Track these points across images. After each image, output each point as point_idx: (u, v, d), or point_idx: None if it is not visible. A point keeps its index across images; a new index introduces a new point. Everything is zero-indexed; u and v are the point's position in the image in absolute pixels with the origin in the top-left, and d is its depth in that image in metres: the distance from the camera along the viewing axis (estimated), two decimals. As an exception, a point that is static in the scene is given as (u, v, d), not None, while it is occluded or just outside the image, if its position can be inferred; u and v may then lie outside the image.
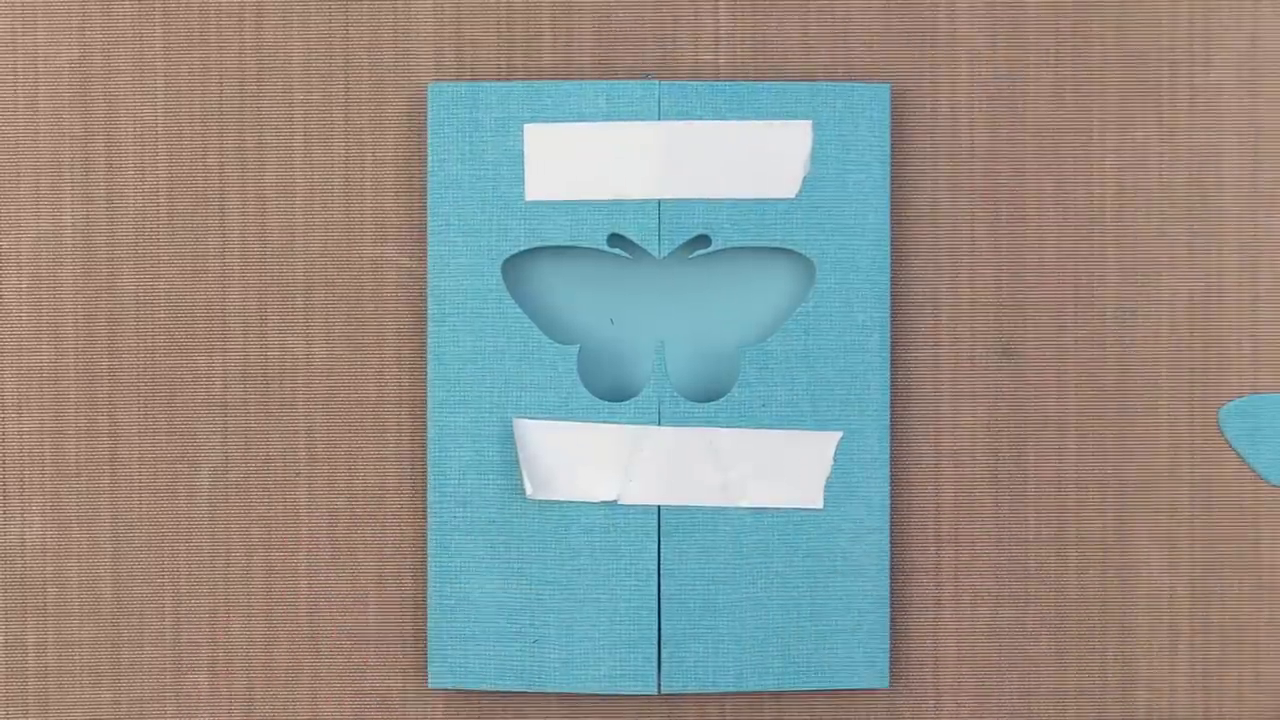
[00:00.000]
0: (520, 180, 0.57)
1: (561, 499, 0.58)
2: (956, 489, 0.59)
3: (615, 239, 0.58)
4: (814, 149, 0.58)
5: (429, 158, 0.57)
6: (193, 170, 0.59)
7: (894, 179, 0.59)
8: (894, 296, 0.59)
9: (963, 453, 0.59)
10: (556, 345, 0.58)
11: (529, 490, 0.57)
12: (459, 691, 0.59)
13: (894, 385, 0.59)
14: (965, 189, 0.59)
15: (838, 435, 0.58)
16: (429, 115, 0.57)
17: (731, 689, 0.58)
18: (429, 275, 0.57)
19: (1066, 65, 0.59)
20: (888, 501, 0.58)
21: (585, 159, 0.57)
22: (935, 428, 0.59)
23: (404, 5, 0.59)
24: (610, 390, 0.59)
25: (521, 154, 0.57)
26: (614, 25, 0.59)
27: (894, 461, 0.59)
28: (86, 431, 0.59)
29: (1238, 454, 0.60)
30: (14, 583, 0.59)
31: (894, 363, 0.59)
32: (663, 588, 0.58)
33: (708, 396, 0.58)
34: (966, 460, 0.59)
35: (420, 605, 0.59)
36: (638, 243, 0.57)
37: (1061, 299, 0.59)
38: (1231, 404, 0.59)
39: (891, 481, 0.59)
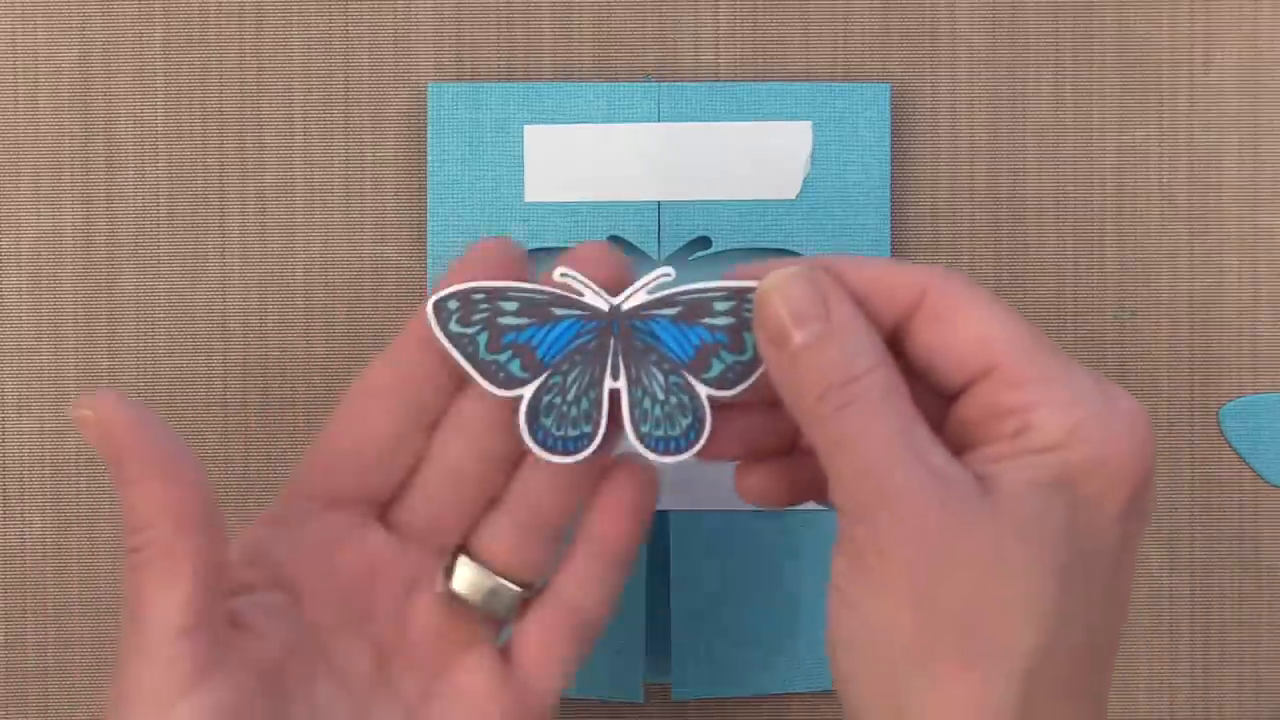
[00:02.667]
0: (520, 181, 0.57)
1: (561, 499, 0.57)
2: (956, 489, 0.59)
3: (614, 240, 0.58)
4: (814, 149, 0.58)
5: (429, 158, 0.57)
6: (193, 170, 0.59)
7: (894, 179, 0.59)
8: (894, 296, 0.59)
9: (963, 453, 0.59)
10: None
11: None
12: (459, 691, 0.59)
13: (894, 385, 0.59)
14: (965, 189, 0.59)
15: (838, 435, 0.58)
16: (429, 115, 0.57)
17: (736, 694, 0.58)
18: (429, 275, 0.57)
19: (1066, 65, 0.59)
20: (888, 502, 0.58)
21: (585, 160, 0.57)
22: (935, 428, 0.59)
23: (404, 5, 0.59)
24: (610, 390, 0.58)
25: (521, 155, 0.57)
26: (614, 26, 0.59)
27: (894, 461, 0.59)
28: (87, 431, 0.59)
29: (1238, 454, 0.60)
30: (14, 583, 0.59)
31: (894, 363, 0.59)
32: (672, 592, 0.57)
33: (708, 397, 0.58)
34: (966, 460, 0.59)
35: (420, 605, 0.59)
36: (637, 245, 0.57)
37: (1061, 299, 0.59)
38: (1231, 404, 0.59)
39: (891, 481, 0.59)
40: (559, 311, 0.46)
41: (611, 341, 0.47)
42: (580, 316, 0.47)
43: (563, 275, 0.46)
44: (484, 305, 0.46)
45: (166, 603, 0.42)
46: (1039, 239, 0.59)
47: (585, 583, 0.48)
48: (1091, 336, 0.59)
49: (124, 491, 0.42)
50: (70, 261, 0.58)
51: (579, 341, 0.47)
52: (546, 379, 0.47)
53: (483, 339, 0.46)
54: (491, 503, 0.48)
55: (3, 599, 0.59)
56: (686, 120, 0.57)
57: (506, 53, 0.59)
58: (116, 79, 0.58)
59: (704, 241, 0.58)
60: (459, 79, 0.58)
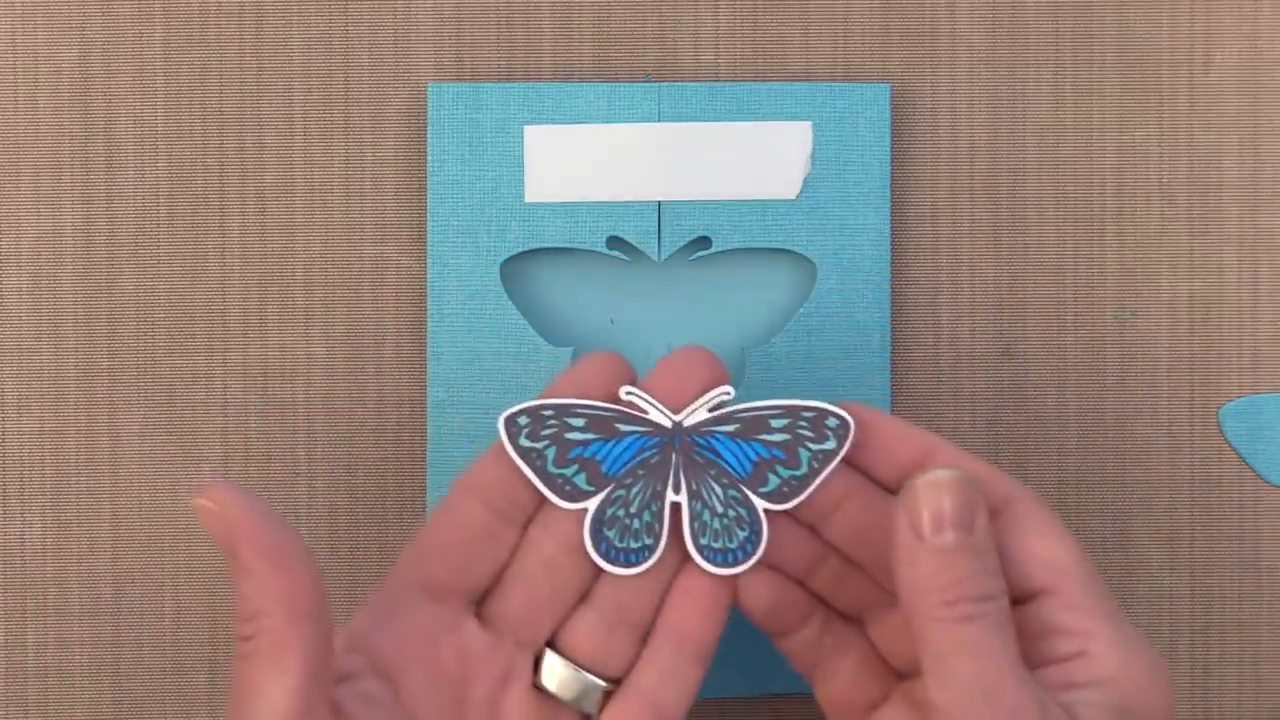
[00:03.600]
0: (520, 181, 0.57)
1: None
2: (956, 489, 0.59)
3: (614, 241, 0.58)
4: (814, 149, 0.58)
5: (429, 158, 0.57)
6: (193, 170, 0.59)
7: (894, 179, 0.59)
8: (894, 296, 0.59)
9: (963, 453, 0.59)
10: (550, 348, 0.57)
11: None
12: (459, 691, 0.59)
13: (894, 385, 0.59)
14: (965, 189, 0.59)
15: (838, 435, 0.58)
16: (429, 115, 0.57)
17: (736, 694, 0.58)
18: (429, 275, 0.57)
19: (1066, 65, 0.59)
20: (888, 502, 0.58)
21: (585, 161, 0.57)
22: (935, 428, 0.59)
23: (404, 5, 0.59)
24: (610, 390, 0.58)
25: (521, 155, 0.57)
26: (614, 26, 0.59)
27: (894, 462, 0.59)
28: (86, 431, 0.59)
29: (1238, 454, 0.60)
30: (14, 583, 0.59)
31: (894, 363, 0.59)
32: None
33: (708, 397, 0.58)
34: (966, 460, 0.59)
35: (420, 605, 0.59)
36: (637, 245, 0.57)
37: (1061, 299, 0.59)
38: (1231, 404, 0.59)
39: (891, 482, 0.59)
40: (623, 428, 0.49)
41: (673, 456, 0.49)
42: (644, 432, 0.49)
43: (628, 394, 0.48)
44: (552, 421, 0.48)
45: (275, 691, 0.43)
46: (1039, 239, 0.59)
47: (664, 676, 0.49)
48: (1091, 336, 0.59)
49: (239, 581, 0.44)
50: (70, 261, 0.58)
51: (642, 456, 0.49)
52: (610, 492, 0.48)
53: (551, 453, 0.48)
54: (581, 598, 0.49)
55: (3, 599, 0.59)
56: (686, 120, 0.57)
57: (506, 53, 0.59)
58: (116, 79, 0.58)
59: (704, 241, 0.58)
60: (459, 79, 0.58)
